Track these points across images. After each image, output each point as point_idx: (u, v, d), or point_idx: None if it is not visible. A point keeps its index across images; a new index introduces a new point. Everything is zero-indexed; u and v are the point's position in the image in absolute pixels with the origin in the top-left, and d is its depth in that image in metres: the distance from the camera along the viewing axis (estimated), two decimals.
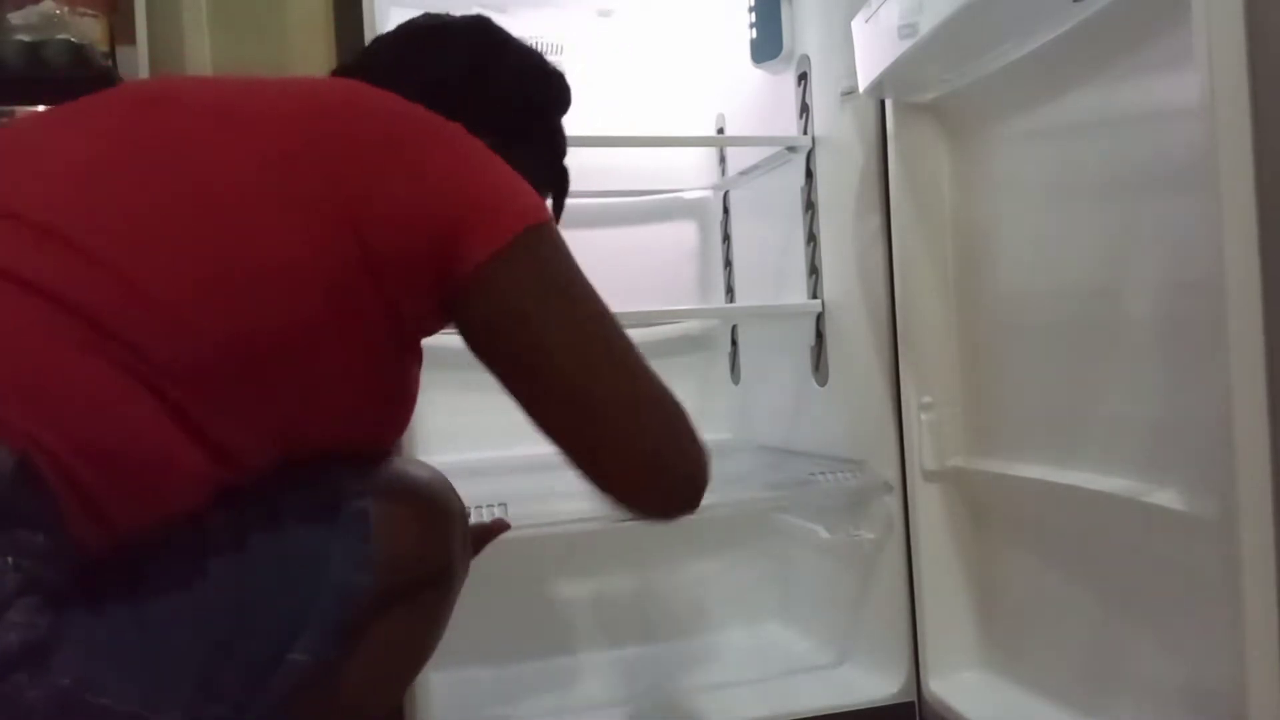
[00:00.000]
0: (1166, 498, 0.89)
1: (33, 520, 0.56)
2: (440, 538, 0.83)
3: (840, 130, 1.37)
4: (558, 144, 0.95)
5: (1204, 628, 0.86)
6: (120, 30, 1.36)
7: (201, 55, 1.50)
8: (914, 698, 1.28)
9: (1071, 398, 1.05)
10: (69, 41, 1.29)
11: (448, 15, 0.91)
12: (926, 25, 1.02)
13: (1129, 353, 0.95)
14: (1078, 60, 1.00)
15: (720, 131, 1.83)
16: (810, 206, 1.49)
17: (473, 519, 0.99)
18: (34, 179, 0.66)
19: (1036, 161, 1.09)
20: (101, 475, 0.58)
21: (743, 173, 1.68)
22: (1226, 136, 0.76)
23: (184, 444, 0.62)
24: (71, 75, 1.26)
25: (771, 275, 1.66)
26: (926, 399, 1.25)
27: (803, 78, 1.49)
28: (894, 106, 1.25)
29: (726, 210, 1.83)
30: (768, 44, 1.55)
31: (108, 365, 0.59)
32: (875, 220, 1.29)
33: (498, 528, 0.99)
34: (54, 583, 0.57)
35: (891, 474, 1.29)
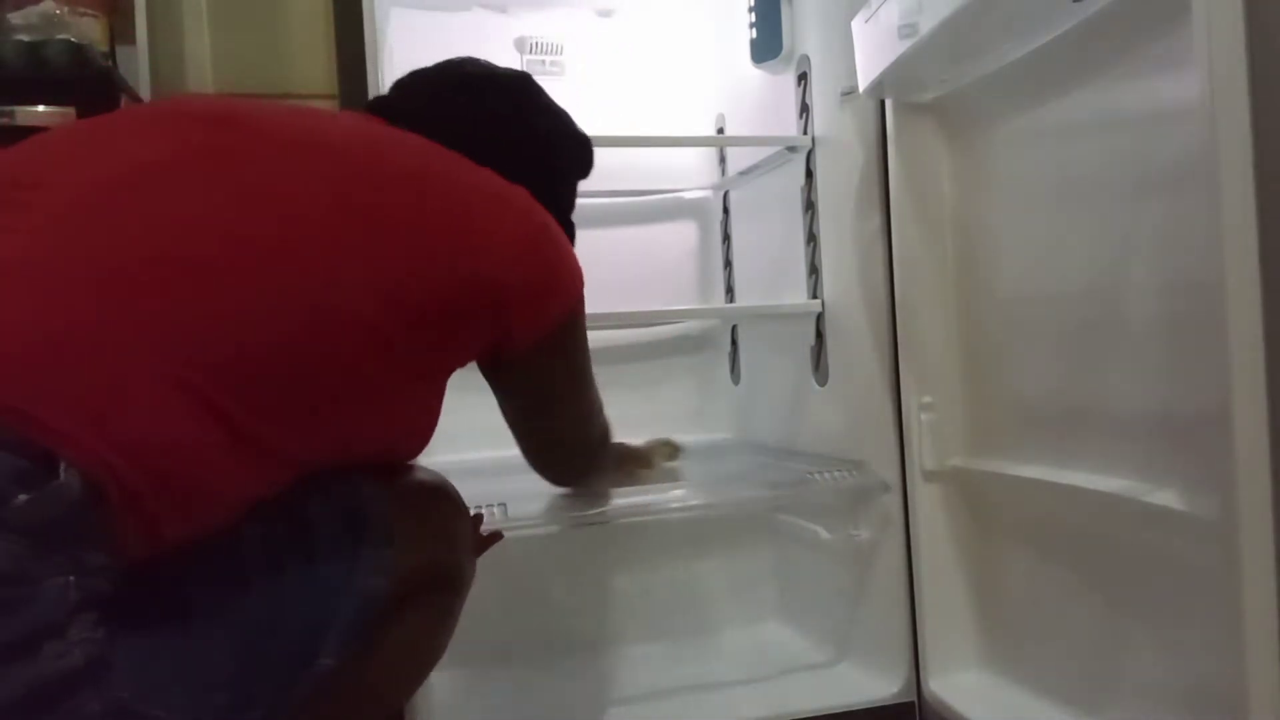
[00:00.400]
0: (1166, 497, 0.88)
1: (94, 540, 0.58)
2: (451, 542, 0.86)
3: (840, 130, 1.37)
4: (571, 201, 1.03)
5: (1204, 627, 0.86)
6: (120, 30, 1.36)
7: (201, 55, 1.50)
8: (914, 698, 1.27)
9: (1071, 397, 1.05)
10: (69, 41, 1.29)
11: (491, 65, 0.98)
12: (926, 25, 1.02)
13: (1129, 352, 0.95)
14: (1078, 60, 1.00)
15: (720, 131, 1.83)
16: (810, 206, 1.49)
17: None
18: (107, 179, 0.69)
19: (1036, 161, 1.09)
20: (161, 493, 0.60)
21: (743, 173, 1.68)
22: (1226, 136, 0.76)
23: (236, 460, 0.64)
24: (71, 75, 1.27)
25: (771, 275, 1.66)
26: (926, 399, 1.25)
27: (803, 78, 1.49)
28: (894, 106, 1.25)
29: (726, 210, 1.83)
30: (768, 44, 1.55)
31: (175, 389, 0.61)
32: (875, 220, 1.29)
33: (492, 539, 1.01)
34: (106, 595, 0.58)
35: (891, 474, 1.29)
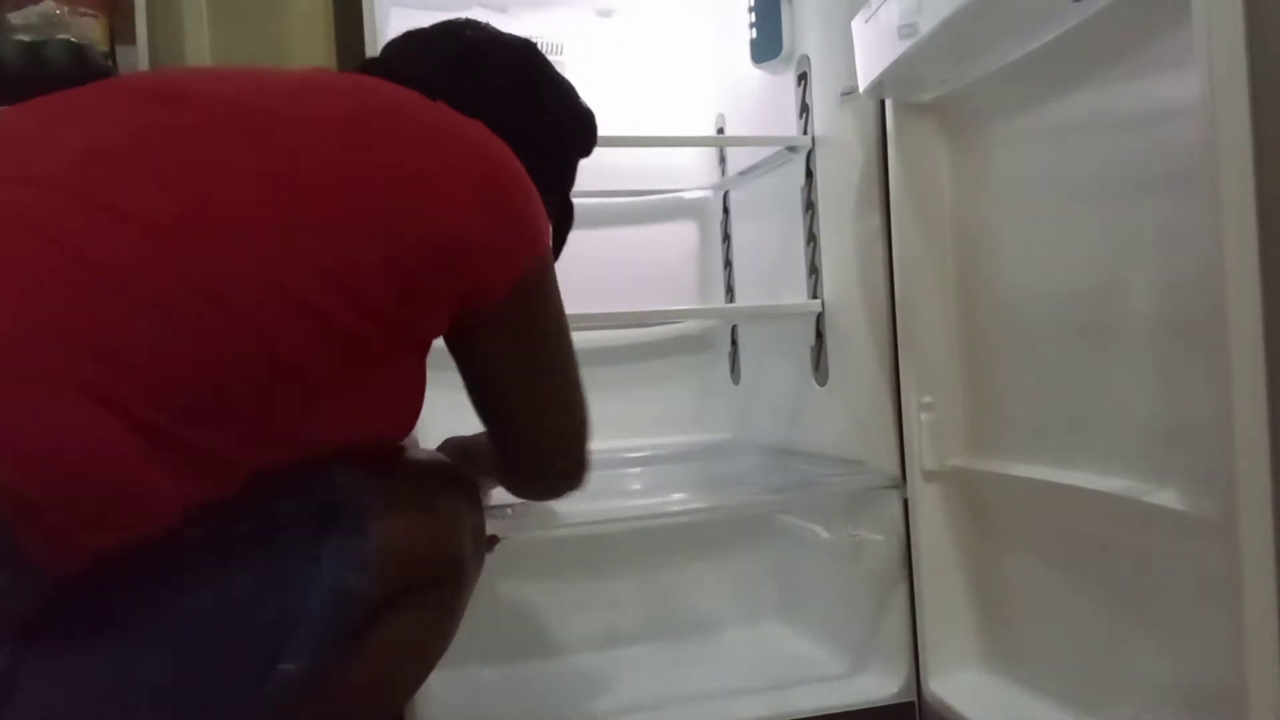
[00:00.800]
0: (1166, 497, 0.88)
1: None
2: (447, 534, 0.80)
3: (840, 130, 1.37)
4: (570, 177, 0.96)
5: (1204, 628, 0.86)
6: (120, 30, 1.36)
7: (201, 55, 1.50)
8: (914, 698, 1.27)
9: (1072, 397, 1.05)
10: (69, 41, 1.29)
11: (493, 30, 0.90)
12: (926, 25, 1.02)
13: (1129, 352, 0.95)
14: (1078, 60, 1.00)
15: (720, 131, 1.83)
16: (810, 206, 1.49)
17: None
18: (33, 172, 0.63)
19: (1037, 161, 1.09)
20: (65, 506, 0.55)
21: (743, 173, 1.68)
22: (1226, 136, 0.76)
23: (155, 467, 0.58)
24: (71, 75, 1.26)
25: (771, 275, 1.66)
26: (926, 399, 1.25)
27: (803, 78, 1.49)
28: (894, 106, 1.25)
29: (726, 210, 1.83)
30: (768, 44, 1.55)
31: (80, 395, 0.55)
32: (875, 220, 1.29)
33: (489, 544, 0.96)
34: (13, 615, 0.54)
35: (891, 474, 1.29)
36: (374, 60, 0.88)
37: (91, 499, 0.56)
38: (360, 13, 1.22)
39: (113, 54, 1.35)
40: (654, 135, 1.76)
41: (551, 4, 1.74)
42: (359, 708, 0.76)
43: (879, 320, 1.30)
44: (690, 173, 1.85)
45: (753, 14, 1.59)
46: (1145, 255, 0.93)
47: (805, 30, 1.49)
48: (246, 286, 0.61)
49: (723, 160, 1.83)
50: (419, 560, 0.77)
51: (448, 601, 0.82)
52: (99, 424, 0.56)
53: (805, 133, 1.48)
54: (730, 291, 1.82)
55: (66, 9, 1.29)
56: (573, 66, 1.74)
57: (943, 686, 1.23)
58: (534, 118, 0.88)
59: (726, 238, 1.83)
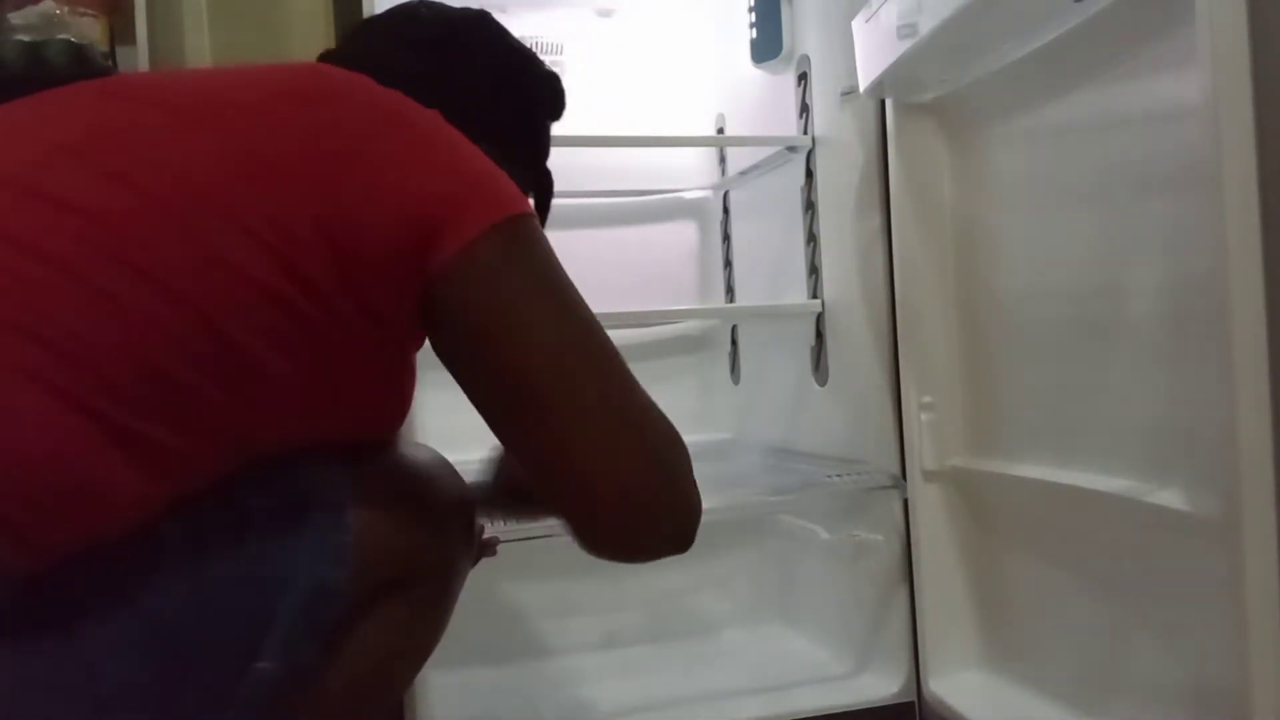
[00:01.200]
0: (1168, 498, 0.88)
1: None
2: (434, 528, 0.77)
3: (840, 130, 1.37)
4: (542, 146, 0.92)
5: (1206, 628, 0.86)
6: (120, 30, 1.36)
7: (201, 55, 1.50)
8: (914, 698, 1.27)
9: (1072, 397, 1.05)
10: (69, 41, 1.29)
11: (447, 8, 0.88)
12: (926, 25, 1.02)
13: (1130, 352, 0.95)
14: (1078, 60, 1.00)
15: (720, 131, 1.83)
16: (810, 206, 1.49)
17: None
18: None
19: (1037, 161, 1.09)
20: (23, 503, 0.53)
21: (743, 173, 1.68)
22: (1229, 136, 0.76)
23: (114, 461, 0.56)
24: (71, 75, 1.26)
25: (771, 275, 1.66)
26: (926, 399, 1.25)
27: (803, 78, 1.49)
28: (894, 106, 1.25)
29: (726, 210, 1.83)
30: (768, 44, 1.55)
31: (23, 378, 0.54)
32: (875, 220, 1.29)
33: (486, 549, 0.95)
34: None
35: (892, 474, 1.29)
36: (327, 51, 0.86)
37: (51, 493, 0.54)
38: (360, 13, 1.23)
39: (113, 54, 1.35)
40: (654, 135, 1.77)
41: (551, 4, 1.74)
42: (343, 710, 0.74)
43: (879, 320, 1.30)
44: (690, 173, 1.85)
45: (753, 14, 1.59)
46: (1146, 255, 0.93)
47: (805, 30, 1.49)
48: (188, 265, 0.60)
49: (723, 160, 1.83)
50: (401, 555, 0.74)
51: (434, 599, 0.79)
52: (59, 416, 0.55)
53: (805, 133, 1.48)
54: (730, 291, 1.82)
55: (66, 9, 1.29)
56: (573, 66, 1.74)
57: (943, 686, 1.23)
58: (498, 86, 0.85)
59: (726, 238, 1.83)
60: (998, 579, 1.22)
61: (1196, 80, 0.78)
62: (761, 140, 1.60)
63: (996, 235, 1.17)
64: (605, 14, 1.79)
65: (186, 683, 0.61)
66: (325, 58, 0.84)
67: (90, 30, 1.32)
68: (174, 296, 0.59)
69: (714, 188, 1.85)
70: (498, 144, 0.74)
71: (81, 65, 1.28)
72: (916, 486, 1.25)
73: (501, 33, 0.89)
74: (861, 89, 1.21)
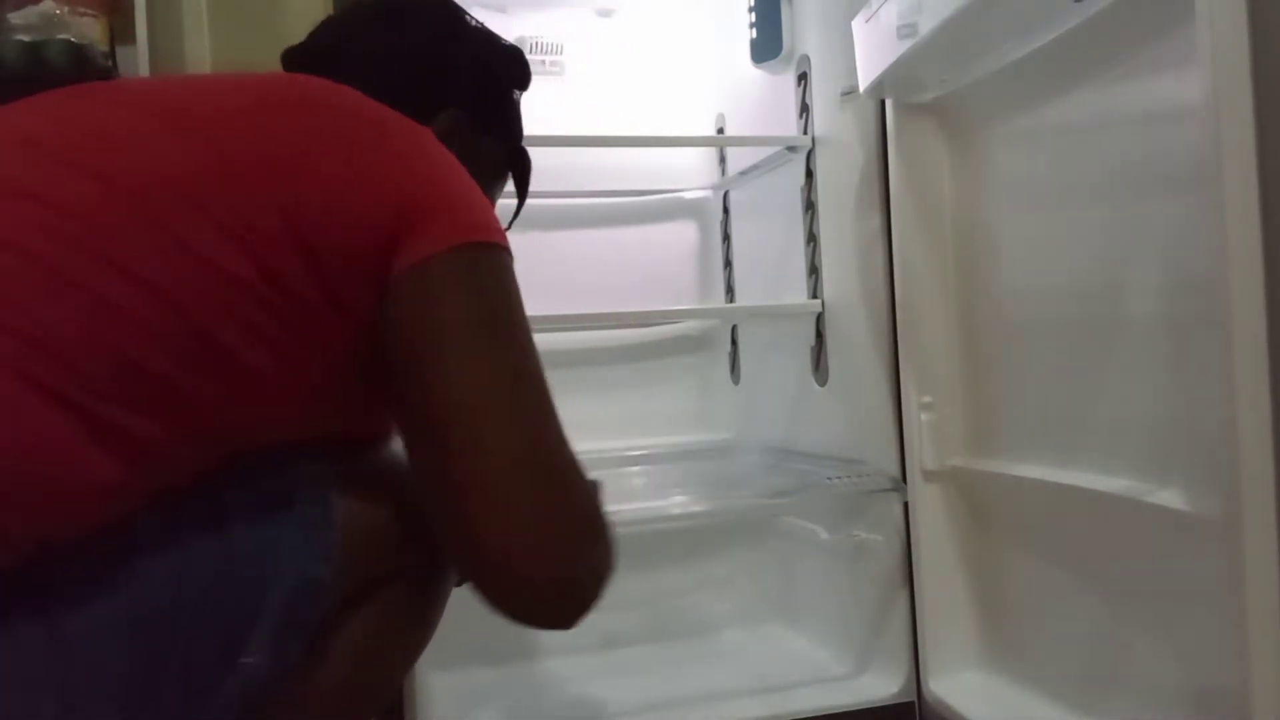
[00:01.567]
0: (1168, 498, 0.88)
1: None
2: (422, 524, 0.74)
3: (840, 130, 1.37)
4: (513, 119, 0.92)
5: (1206, 628, 0.86)
6: (120, 30, 1.36)
7: (201, 55, 1.50)
8: (914, 698, 1.27)
9: (1072, 397, 1.05)
10: (69, 41, 1.29)
11: None
12: (926, 25, 1.02)
13: (1130, 352, 0.95)
14: (1078, 60, 1.00)
15: (720, 131, 1.83)
16: (810, 206, 1.49)
17: None
18: None
19: (1037, 161, 1.09)
20: (4, 495, 0.53)
21: (743, 173, 1.68)
22: (1230, 136, 0.76)
23: (92, 453, 0.56)
24: (71, 75, 1.26)
25: (771, 275, 1.66)
26: (926, 399, 1.25)
27: (803, 78, 1.49)
28: (894, 106, 1.25)
29: (726, 210, 1.83)
30: (768, 44, 1.55)
31: (14, 380, 0.54)
32: (875, 220, 1.29)
33: None
34: None
35: (892, 474, 1.29)
36: (291, 47, 0.88)
37: (27, 485, 0.54)
38: None
39: (113, 54, 1.35)
40: (654, 135, 1.77)
41: (551, 4, 1.74)
42: (330, 708, 0.73)
43: (879, 320, 1.30)
44: (690, 173, 1.85)
45: (753, 14, 1.59)
46: (1146, 255, 0.93)
47: (805, 30, 1.49)
48: (158, 256, 0.60)
49: (723, 160, 1.83)
50: (389, 550, 0.73)
51: (424, 596, 0.78)
52: (36, 407, 0.54)
53: (805, 133, 1.48)
54: (730, 291, 1.82)
55: (66, 9, 1.29)
56: (573, 66, 1.74)
57: (943, 686, 1.23)
58: (461, 59, 0.87)
59: (726, 238, 1.83)
60: (998, 579, 1.22)
61: (1196, 80, 0.78)
62: (761, 140, 1.60)
63: (996, 235, 1.17)
64: (605, 14, 1.79)
65: (169, 677, 0.61)
66: (290, 55, 0.87)
67: (90, 30, 1.32)
68: (146, 287, 0.59)
69: (714, 188, 1.85)
70: (469, 112, 0.77)
71: (81, 65, 1.28)
72: (916, 486, 1.25)
73: (464, 13, 0.90)
74: (861, 89, 1.21)
